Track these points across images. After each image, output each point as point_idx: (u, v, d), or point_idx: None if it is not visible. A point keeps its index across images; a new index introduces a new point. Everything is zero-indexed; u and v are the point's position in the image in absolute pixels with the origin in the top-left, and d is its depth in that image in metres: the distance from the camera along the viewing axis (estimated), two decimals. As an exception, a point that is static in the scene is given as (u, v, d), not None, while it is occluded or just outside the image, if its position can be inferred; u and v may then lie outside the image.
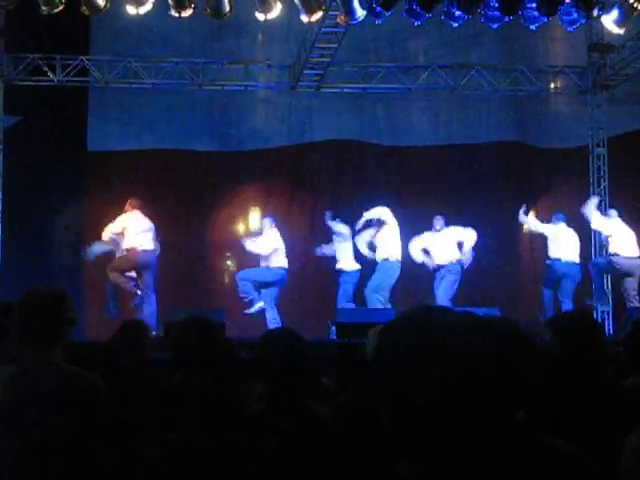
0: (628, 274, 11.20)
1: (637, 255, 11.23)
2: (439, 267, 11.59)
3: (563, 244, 11.41)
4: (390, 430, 1.61)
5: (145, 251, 10.92)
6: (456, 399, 1.57)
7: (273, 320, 11.00)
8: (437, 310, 1.71)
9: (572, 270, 11.33)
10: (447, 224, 11.77)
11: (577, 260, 11.42)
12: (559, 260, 11.35)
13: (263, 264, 11.33)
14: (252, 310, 11.04)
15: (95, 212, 11.95)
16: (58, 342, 3.23)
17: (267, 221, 11.60)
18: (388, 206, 11.61)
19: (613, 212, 11.80)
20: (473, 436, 1.60)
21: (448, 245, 11.66)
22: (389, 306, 10.98)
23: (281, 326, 9.77)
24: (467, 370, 1.58)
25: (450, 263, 11.57)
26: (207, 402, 2.77)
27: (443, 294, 11.41)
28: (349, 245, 11.73)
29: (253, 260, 11.60)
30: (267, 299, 11.16)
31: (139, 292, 10.76)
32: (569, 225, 11.59)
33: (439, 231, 11.74)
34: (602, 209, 13.47)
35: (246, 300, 11.11)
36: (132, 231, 10.87)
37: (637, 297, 11.06)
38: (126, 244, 10.87)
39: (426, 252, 11.69)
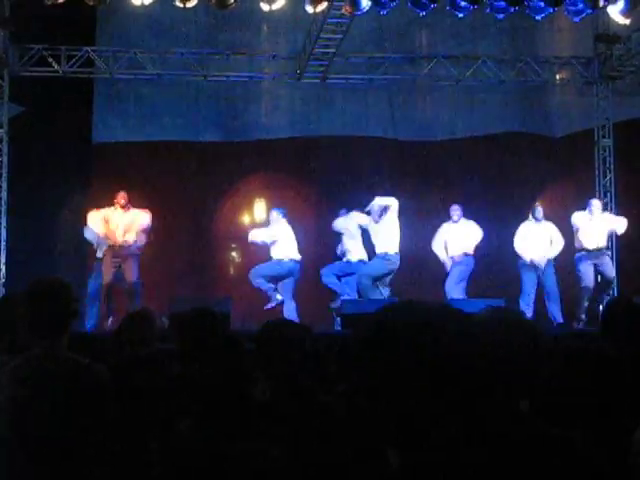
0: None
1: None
2: (452, 259, 11.62)
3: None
4: (380, 419, 1.62)
5: None
6: (439, 386, 1.58)
7: (289, 312, 10.99)
8: (420, 303, 1.72)
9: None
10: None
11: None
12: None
13: (274, 256, 11.31)
14: (271, 305, 11.04)
15: (100, 204, 11.91)
16: (63, 332, 3.24)
17: (275, 212, 11.56)
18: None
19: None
20: (461, 424, 1.61)
21: (463, 237, 11.66)
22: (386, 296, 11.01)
23: (281, 317, 9.77)
24: (451, 357, 1.59)
25: (464, 254, 11.59)
26: (210, 392, 2.77)
27: (454, 284, 11.44)
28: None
29: (259, 250, 11.61)
30: (284, 292, 11.18)
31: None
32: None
33: (456, 222, 11.71)
34: (608, 200, 13.46)
35: (267, 295, 11.13)
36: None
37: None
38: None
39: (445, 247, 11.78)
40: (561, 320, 11.26)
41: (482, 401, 1.63)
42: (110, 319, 10.79)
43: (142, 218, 11.07)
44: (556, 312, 11.30)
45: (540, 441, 1.72)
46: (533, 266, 11.43)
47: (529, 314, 11.27)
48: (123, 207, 11.04)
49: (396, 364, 1.59)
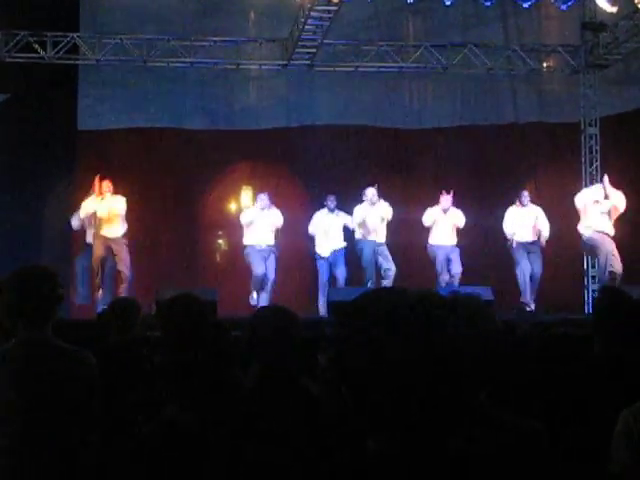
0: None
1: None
2: (443, 247, 11.66)
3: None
4: (356, 409, 1.62)
5: None
6: (410, 374, 1.58)
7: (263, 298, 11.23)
8: (390, 291, 1.72)
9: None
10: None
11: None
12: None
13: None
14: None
15: (85, 191, 11.86)
16: (49, 319, 3.23)
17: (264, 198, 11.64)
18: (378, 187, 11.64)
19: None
20: (433, 414, 1.61)
21: (452, 226, 11.69)
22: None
23: (273, 305, 9.82)
24: (418, 346, 1.59)
25: (452, 245, 11.64)
26: (195, 380, 2.77)
27: (457, 272, 11.52)
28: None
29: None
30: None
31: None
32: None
33: (447, 209, 11.72)
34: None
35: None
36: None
37: None
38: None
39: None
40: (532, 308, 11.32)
41: (448, 390, 1.63)
42: (101, 291, 10.79)
43: (118, 205, 11.00)
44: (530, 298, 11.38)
45: (504, 431, 1.73)
46: (523, 246, 11.49)
47: (527, 294, 11.33)
48: (100, 194, 10.97)
49: (368, 349, 1.59)
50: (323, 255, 11.67)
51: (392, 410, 1.59)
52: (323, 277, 11.69)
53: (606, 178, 11.34)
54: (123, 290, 10.67)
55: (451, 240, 11.72)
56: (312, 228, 11.75)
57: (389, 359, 1.58)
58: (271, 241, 11.45)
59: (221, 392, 2.88)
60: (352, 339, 1.64)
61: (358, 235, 11.54)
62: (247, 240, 11.45)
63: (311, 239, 11.83)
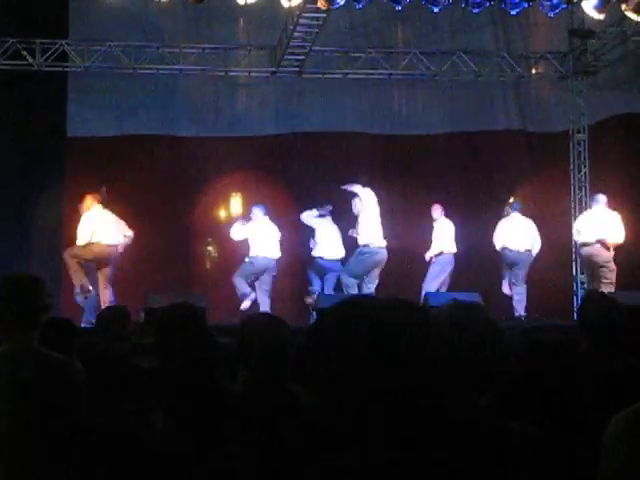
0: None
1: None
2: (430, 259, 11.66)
3: (514, 233, 11.50)
4: (335, 419, 1.62)
5: (109, 245, 10.78)
6: (389, 383, 1.57)
7: (263, 307, 11.01)
8: (363, 300, 1.72)
9: (522, 257, 11.44)
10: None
11: (528, 248, 11.49)
12: (507, 248, 11.45)
13: (249, 253, 11.32)
14: (245, 306, 11.04)
15: (74, 198, 11.85)
16: (35, 327, 3.22)
17: (254, 210, 11.54)
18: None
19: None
20: (414, 421, 1.60)
21: (442, 235, 11.68)
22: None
23: (262, 311, 9.81)
24: (395, 354, 1.59)
25: (440, 253, 11.61)
26: (187, 387, 2.76)
27: (427, 282, 11.45)
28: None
29: (236, 246, 11.61)
30: (260, 288, 11.23)
31: (89, 288, 10.63)
32: (524, 214, 11.68)
33: (436, 220, 11.72)
34: (583, 195, 13.55)
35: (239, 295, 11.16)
36: (102, 226, 10.79)
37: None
38: (92, 238, 10.71)
39: None
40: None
41: (433, 396, 1.62)
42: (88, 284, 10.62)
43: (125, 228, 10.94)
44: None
45: (497, 436, 1.72)
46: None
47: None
48: (102, 203, 10.90)
49: (339, 358, 1.59)
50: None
51: (368, 421, 1.58)
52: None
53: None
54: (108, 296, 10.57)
55: (441, 247, 11.70)
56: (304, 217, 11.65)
57: (354, 367, 1.57)
58: (275, 254, 11.34)
59: (208, 399, 2.87)
60: (320, 348, 1.63)
61: (363, 240, 11.18)
62: (253, 252, 11.33)
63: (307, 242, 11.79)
